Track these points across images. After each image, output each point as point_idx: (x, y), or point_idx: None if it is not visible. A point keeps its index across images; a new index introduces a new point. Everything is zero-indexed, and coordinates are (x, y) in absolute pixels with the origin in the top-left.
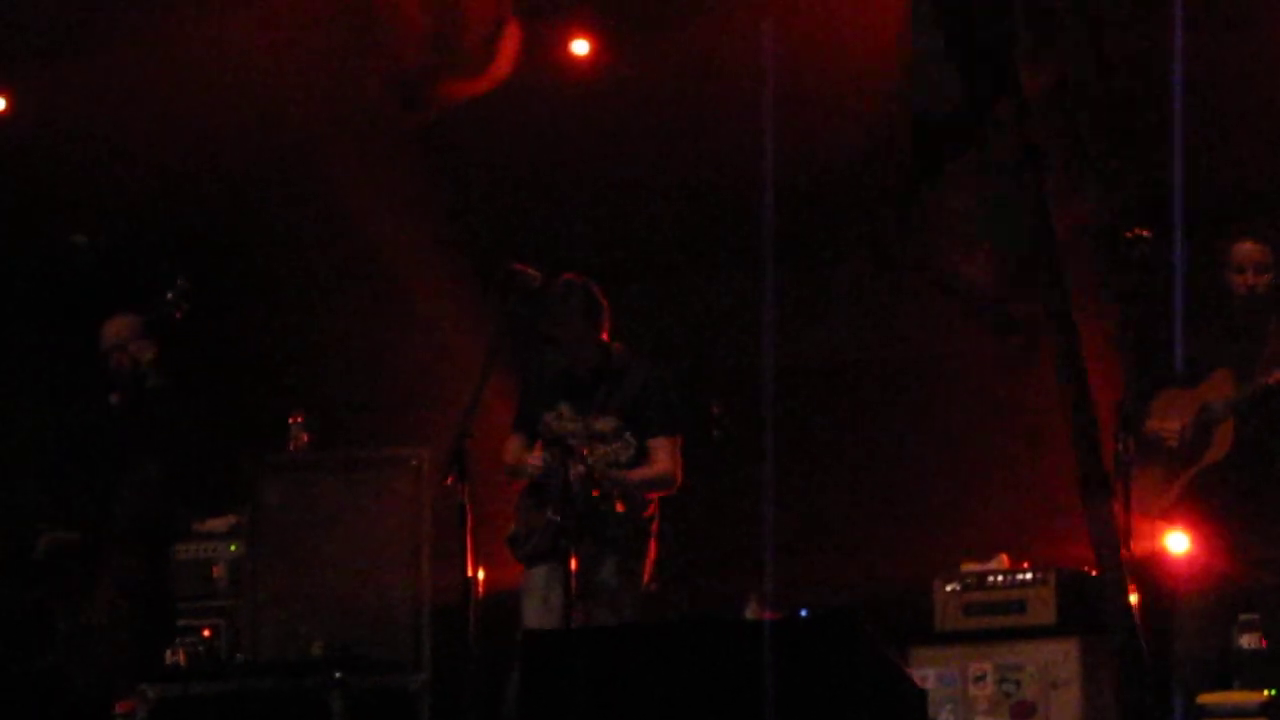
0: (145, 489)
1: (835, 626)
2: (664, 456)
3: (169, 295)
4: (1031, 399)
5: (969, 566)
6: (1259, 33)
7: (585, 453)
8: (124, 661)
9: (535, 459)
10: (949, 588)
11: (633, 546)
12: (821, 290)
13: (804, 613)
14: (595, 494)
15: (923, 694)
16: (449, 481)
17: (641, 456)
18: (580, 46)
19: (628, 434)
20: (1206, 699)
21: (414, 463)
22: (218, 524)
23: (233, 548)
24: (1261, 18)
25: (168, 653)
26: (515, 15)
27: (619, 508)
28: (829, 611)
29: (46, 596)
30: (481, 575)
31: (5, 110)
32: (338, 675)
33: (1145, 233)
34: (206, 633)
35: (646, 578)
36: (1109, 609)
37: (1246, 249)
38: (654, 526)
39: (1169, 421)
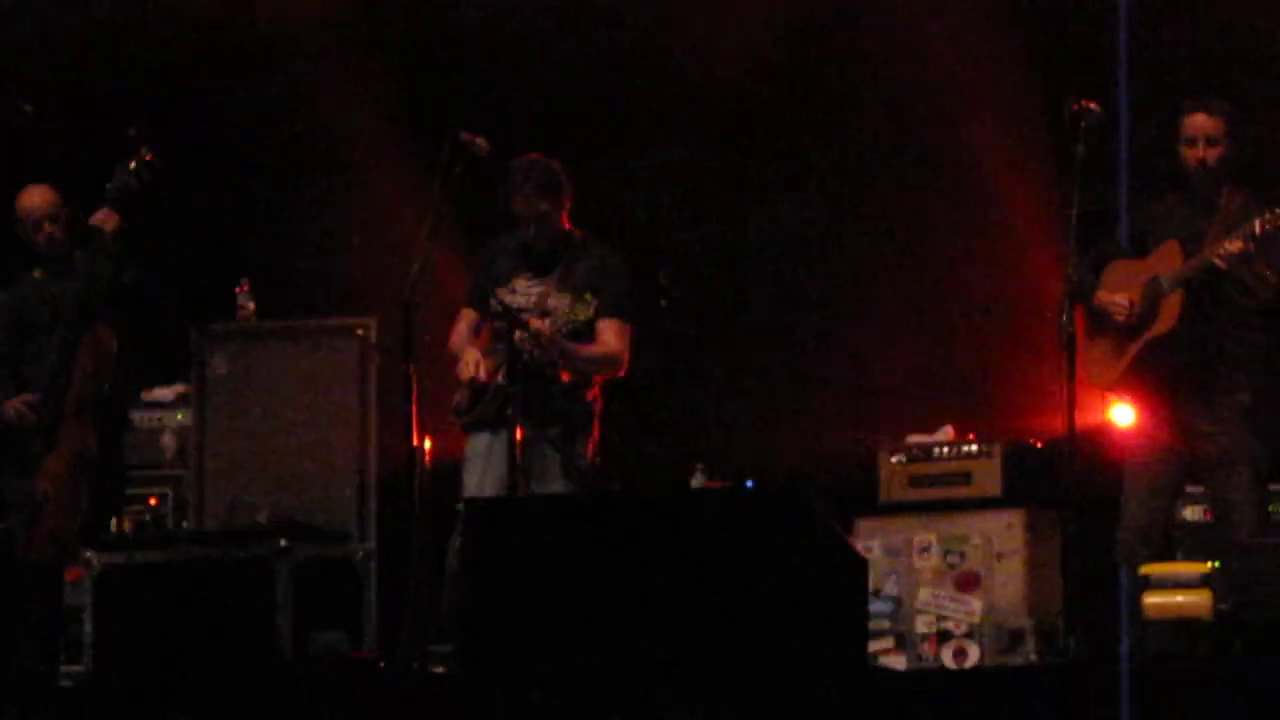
0: (100, 359)
1: (778, 497)
2: (613, 337)
3: (132, 164)
4: (979, 269)
5: (915, 438)
6: None
7: (538, 322)
8: (75, 531)
9: (470, 366)
10: (894, 459)
11: (577, 422)
12: (765, 162)
13: (749, 484)
14: (539, 357)
15: (864, 564)
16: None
17: (591, 335)
18: None
19: (588, 292)
20: (1150, 570)
21: (360, 332)
22: (164, 393)
23: (179, 416)
24: None
25: (113, 521)
26: None
27: (564, 377)
28: (772, 483)
29: None
30: (428, 445)
31: None
32: (283, 543)
33: (1091, 104)
34: (153, 501)
35: (590, 454)
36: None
37: (1198, 121)
38: (598, 407)
39: (1118, 295)
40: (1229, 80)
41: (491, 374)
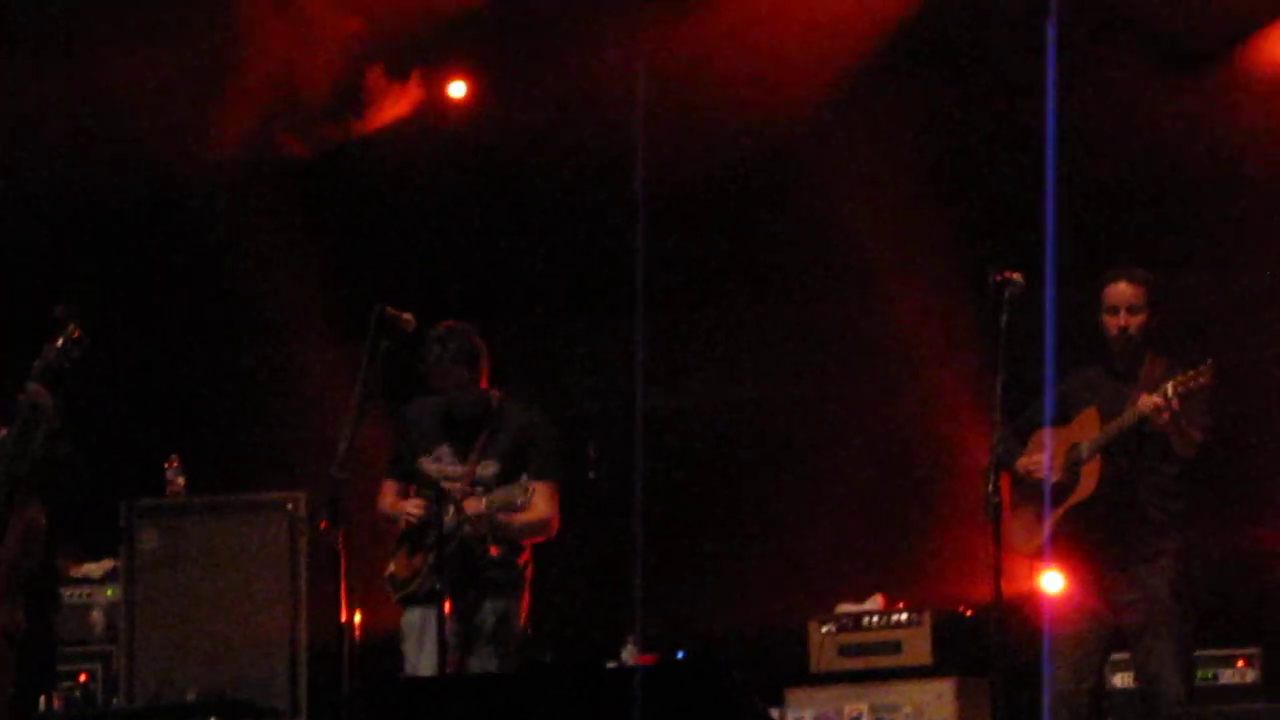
0: (31, 535)
1: (698, 670)
2: (542, 501)
3: (60, 342)
4: (906, 439)
5: (845, 607)
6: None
7: (474, 504)
8: (4, 709)
9: (413, 507)
10: (824, 629)
11: (509, 591)
12: (694, 333)
13: (680, 654)
14: (470, 533)
15: None
16: (324, 526)
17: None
18: (457, 89)
19: (523, 477)
20: None
21: (289, 506)
22: (94, 569)
23: (109, 593)
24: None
25: (42, 698)
26: (383, 60)
27: (492, 551)
28: (697, 658)
29: None
30: (358, 619)
31: None
32: None
33: (1015, 275)
34: (83, 678)
35: (522, 622)
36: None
37: (1120, 290)
38: (529, 572)
39: (1035, 456)
40: (1153, 249)
41: (426, 547)
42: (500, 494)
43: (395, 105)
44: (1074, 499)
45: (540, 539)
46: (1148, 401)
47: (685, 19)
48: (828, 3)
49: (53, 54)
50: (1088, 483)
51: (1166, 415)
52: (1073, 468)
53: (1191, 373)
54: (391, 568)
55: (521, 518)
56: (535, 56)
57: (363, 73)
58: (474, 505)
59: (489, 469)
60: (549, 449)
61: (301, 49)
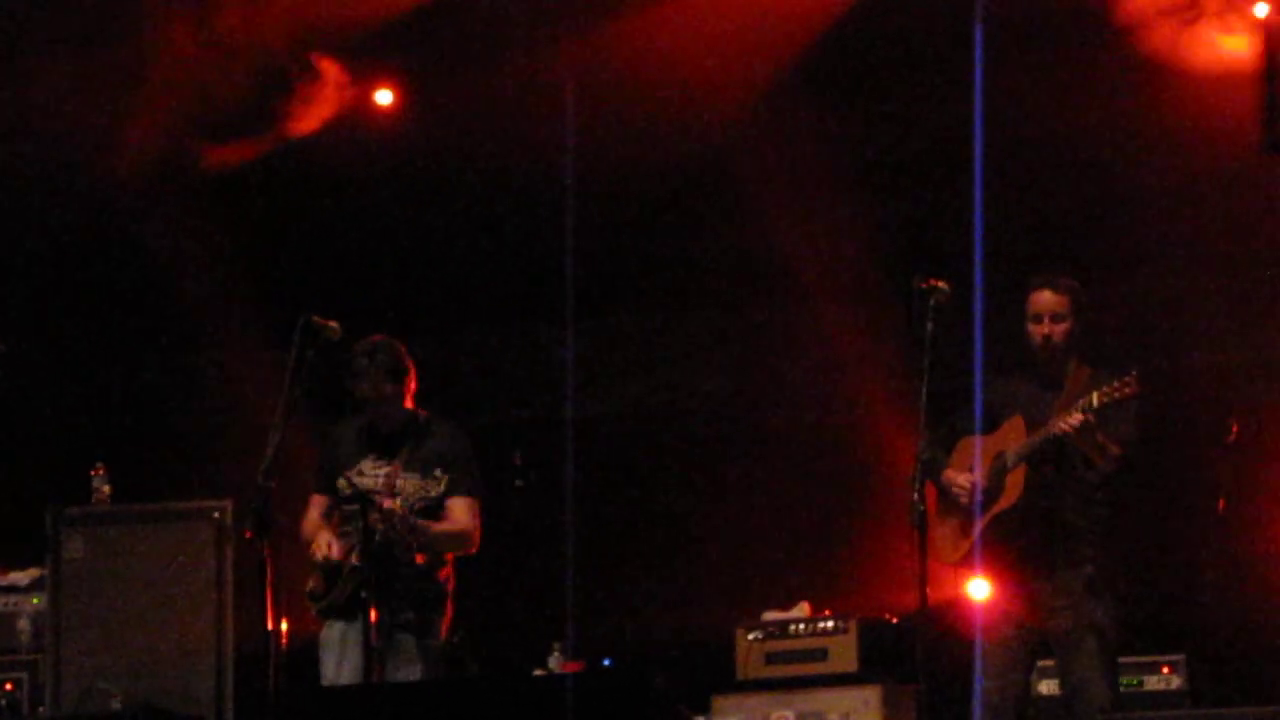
0: None
1: (627, 681)
2: (463, 515)
3: None
4: (832, 446)
5: (771, 615)
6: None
7: (391, 502)
8: None
9: (322, 546)
10: (751, 636)
11: (431, 602)
12: (622, 340)
13: (607, 662)
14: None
15: None
16: (249, 535)
17: (441, 514)
18: (384, 96)
19: (437, 470)
20: None
21: (216, 515)
22: (20, 577)
23: (35, 601)
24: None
25: None
26: (314, 67)
27: (418, 559)
28: (623, 666)
29: None
30: (285, 627)
31: None
32: None
33: (940, 283)
34: (9, 686)
35: (443, 635)
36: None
37: (1044, 298)
38: (451, 585)
39: (960, 475)
40: (1077, 256)
41: (345, 554)
42: (415, 483)
43: (320, 112)
44: (999, 507)
45: (461, 551)
46: (1071, 420)
47: (613, 26)
48: (754, 9)
49: None
50: (1012, 491)
51: (1083, 432)
52: (998, 476)
53: (1116, 384)
54: (311, 584)
55: (441, 527)
56: (463, 64)
57: (288, 79)
58: (391, 503)
59: (412, 479)
60: (470, 465)
61: (221, 57)
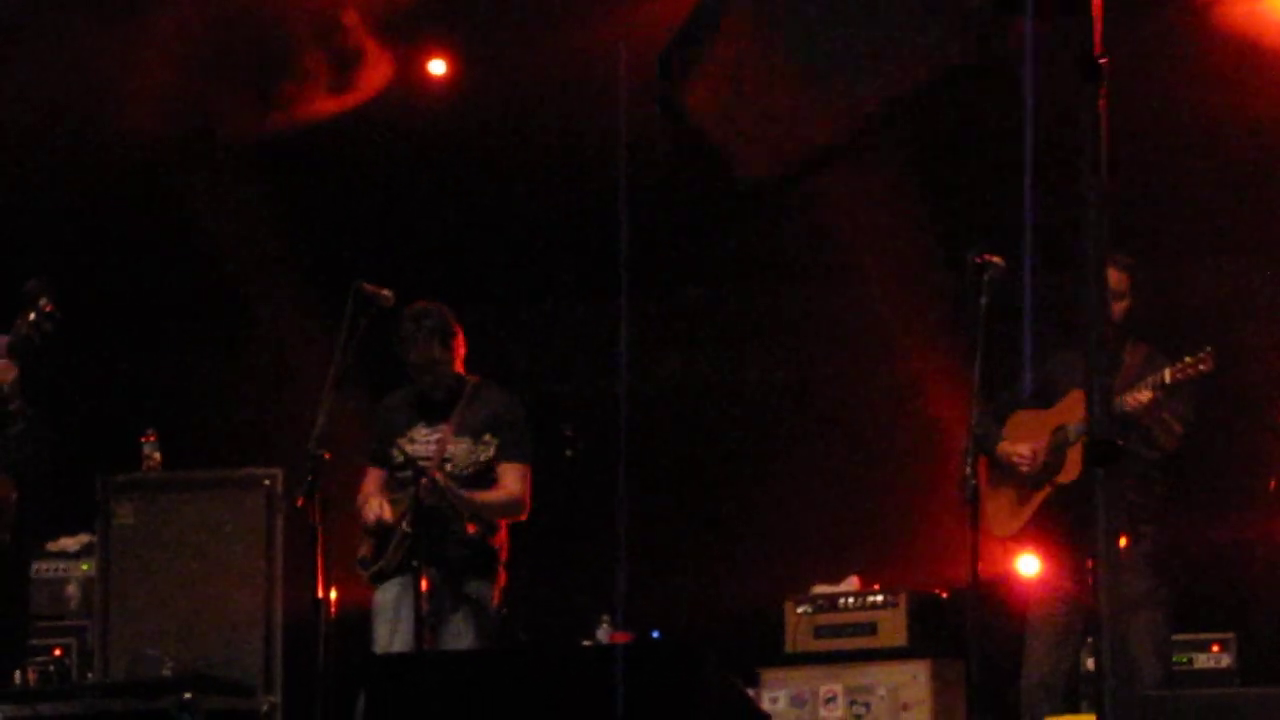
0: (2, 512)
1: (678, 653)
2: (513, 482)
3: (31, 316)
4: (883, 420)
5: (820, 588)
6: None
7: (436, 473)
8: None
9: (372, 511)
10: (800, 609)
11: (483, 570)
12: (675, 315)
13: (656, 634)
14: (437, 502)
15: (766, 718)
16: (300, 502)
17: (492, 478)
18: (437, 66)
19: (486, 435)
20: None
21: (266, 482)
22: (70, 543)
23: (85, 567)
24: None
25: (16, 673)
26: (370, 36)
27: (470, 529)
28: (673, 638)
29: None
30: (334, 596)
31: None
32: (188, 696)
33: (994, 258)
34: (58, 652)
35: (496, 602)
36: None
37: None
38: (504, 554)
39: (1020, 445)
40: (1135, 233)
41: (397, 519)
42: (464, 455)
43: (374, 81)
44: (1058, 481)
45: (511, 518)
46: (1140, 397)
47: None
48: None
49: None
50: (1073, 467)
51: (1151, 409)
52: (1059, 449)
53: (1190, 359)
54: (362, 551)
55: (490, 495)
56: (517, 34)
57: (341, 48)
58: (439, 475)
59: (462, 444)
60: (521, 431)
61: (281, 23)
